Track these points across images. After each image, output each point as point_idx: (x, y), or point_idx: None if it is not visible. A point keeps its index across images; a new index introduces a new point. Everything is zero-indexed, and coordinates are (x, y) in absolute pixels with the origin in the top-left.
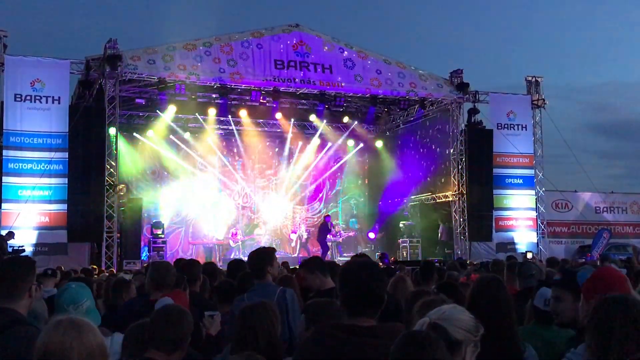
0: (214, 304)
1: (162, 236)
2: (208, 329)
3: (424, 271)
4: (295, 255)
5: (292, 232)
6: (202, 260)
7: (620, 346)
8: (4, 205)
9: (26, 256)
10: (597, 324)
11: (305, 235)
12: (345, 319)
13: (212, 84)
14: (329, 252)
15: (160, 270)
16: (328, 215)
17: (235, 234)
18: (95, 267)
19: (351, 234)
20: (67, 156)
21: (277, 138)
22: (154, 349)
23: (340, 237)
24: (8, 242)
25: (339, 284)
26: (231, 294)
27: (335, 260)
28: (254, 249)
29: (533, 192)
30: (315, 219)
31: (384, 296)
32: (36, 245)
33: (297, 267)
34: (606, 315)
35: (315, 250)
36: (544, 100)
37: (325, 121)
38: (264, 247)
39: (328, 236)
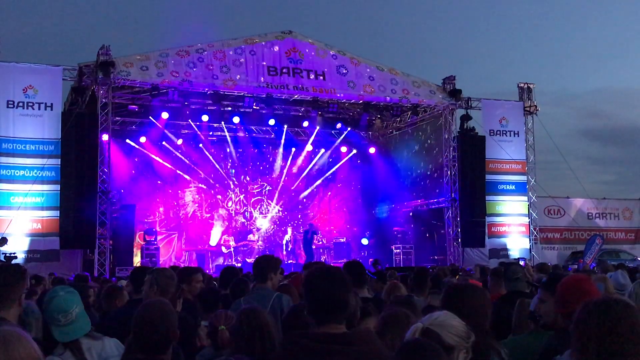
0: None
1: (155, 243)
2: (203, 339)
3: (418, 278)
4: (288, 261)
5: (284, 239)
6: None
7: (611, 351)
8: None
9: (17, 264)
10: (583, 331)
11: (295, 242)
12: (314, 327)
13: (205, 91)
14: (323, 258)
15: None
16: (312, 224)
17: (228, 240)
18: (87, 273)
19: (344, 240)
20: (59, 163)
21: (270, 144)
22: (140, 350)
23: (336, 243)
24: (1, 248)
25: (303, 293)
26: (216, 303)
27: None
28: (247, 255)
29: (525, 198)
30: (308, 226)
31: (349, 301)
32: (28, 252)
33: (292, 272)
34: (590, 321)
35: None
36: (536, 106)
37: (318, 127)
38: (271, 255)
39: (314, 244)
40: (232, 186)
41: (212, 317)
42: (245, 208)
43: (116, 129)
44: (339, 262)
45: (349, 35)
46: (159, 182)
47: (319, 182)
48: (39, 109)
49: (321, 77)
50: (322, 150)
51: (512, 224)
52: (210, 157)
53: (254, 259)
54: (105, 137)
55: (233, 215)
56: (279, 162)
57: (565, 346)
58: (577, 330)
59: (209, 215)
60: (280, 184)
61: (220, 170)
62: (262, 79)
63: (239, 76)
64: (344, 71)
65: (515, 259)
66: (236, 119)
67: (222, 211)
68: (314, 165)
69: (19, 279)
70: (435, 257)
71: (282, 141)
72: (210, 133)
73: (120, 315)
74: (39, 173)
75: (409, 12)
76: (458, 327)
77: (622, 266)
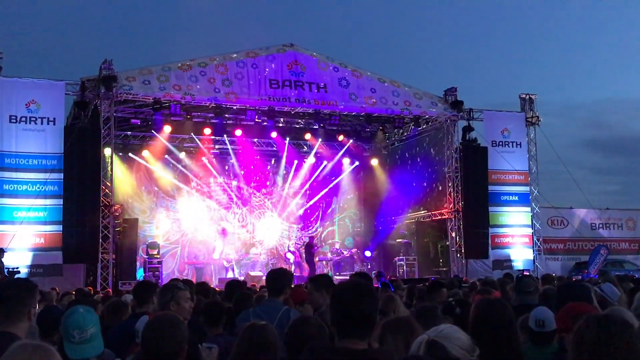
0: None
1: (158, 256)
2: None
3: (431, 289)
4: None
5: (288, 252)
6: (196, 281)
7: None
8: None
9: (27, 279)
10: (587, 346)
11: (299, 254)
12: (336, 340)
13: (208, 104)
14: (326, 271)
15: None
16: (312, 237)
17: (229, 253)
18: (90, 288)
19: (347, 252)
20: (62, 177)
21: (273, 157)
22: None
23: (340, 256)
24: (2, 259)
25: (330, 304)
26: (220, 316)
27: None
28: (249, 268)
29: (528, 208)
30: (309, 239)
31: (375, 317)
32: (31, 266)
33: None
34: (587, 333)
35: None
36: (538, 117)
37: (320, 140)
38: (286, 269)
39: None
40: (234, 199)
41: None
42: (247, 221)
43: (119, 143)
44: (342, 275)
45: (351, 47)
46: (161, 195)
47: (321, 194)
48: (42, 123)
49: (323, 90)
50: (325, 163)
51: (516, 234)
52: (213, 170)
53: (257, 272)
54: (107, 151)
55: (236, 228)
56: (281, 174)
57: None
58: (574, 340)
59: (212, 228)
60: (283, 197)
61: (222, 183)
62: (263, 92)
63: (240, 89)
64: (346, 83)
65: (519, 270)
66: (238, 132)
67: (224, 224)
68: (316, 177)
69: (29, 294)
70: (439, 269)
71: (285, 154)
72: (213, 146)
73: (123, 329)
74: (42, 187)
75: (410, 24)
76: (464, 340)
77: (626, 277)
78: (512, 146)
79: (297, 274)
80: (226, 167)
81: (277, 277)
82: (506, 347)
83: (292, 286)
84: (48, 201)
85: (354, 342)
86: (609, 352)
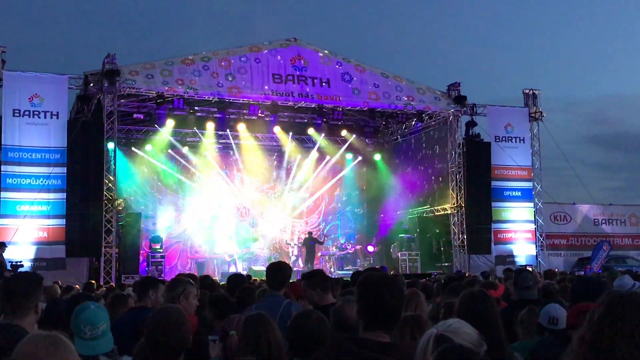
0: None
1: (161, 250)
2: (211, 353)
3: (451, 283)
4: (294, 269)
5: (290, 246)
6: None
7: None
8: (2, 221)
9: (34, 272)
10: (607, 322)
11: (300, 249)
12: (361, 331)
13: (211, 98)
14: (328, 265)
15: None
16: (310, 232)
17: (232, 247)
18: (94, 282)
19: (350, 247)
20: (65, 171)
21: (276, 152)
22: (151, 354)
23: (344, 251)
24: (2, 253)
25: (356, 296)
26: (227, 309)
27: (335, 274)
28: (252, 262)
29: (531, 204)
30: (314, 233)
31: (401, 311)
32: (34, 260)
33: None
34: (620, 311)
35: (311, 265)
36: (541, 112)
37: (323, 134)
38: (286, 263)
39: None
40: (237, 194)
41: (226, 322)
42: (250, 215)
43: (122, 137)
44: (345, 271)
45: (354, 42)
46: (164, 190)
47: (324, 189)
48: (45, 117)
49: (326, 85)
50: (328, 157)
51: (518, 230)
52: (216, 165)
53: (259, 266)
54: (110, 145)
55: (238, 223)
56: (284, 169)
57: (550, 350)
58: (608, 323)
59: (215, 222)
60: (286, 192)
61: (225, 177)
62: (267, 86)
63: (244, 84)
64: (349, 78)
65: (521, 265)
66: (241, 127)
67: (227, 218)
68: (319, 172)
69: (36, 287)
70: (442, 264)
71: (287, 148)
72: (216, 141)
73: (121, 323)
74: (45, 181)
75: (413, 19)
76: (471, 335)
77: (629, 273)
78: (515, 141)
79: (298, 269)
80: (229, 162)
81: (277, 270)
82: (490, 340)
83: (293, 281)
84: (51, 195)
85: (379, 335)
86: (615, 327)
